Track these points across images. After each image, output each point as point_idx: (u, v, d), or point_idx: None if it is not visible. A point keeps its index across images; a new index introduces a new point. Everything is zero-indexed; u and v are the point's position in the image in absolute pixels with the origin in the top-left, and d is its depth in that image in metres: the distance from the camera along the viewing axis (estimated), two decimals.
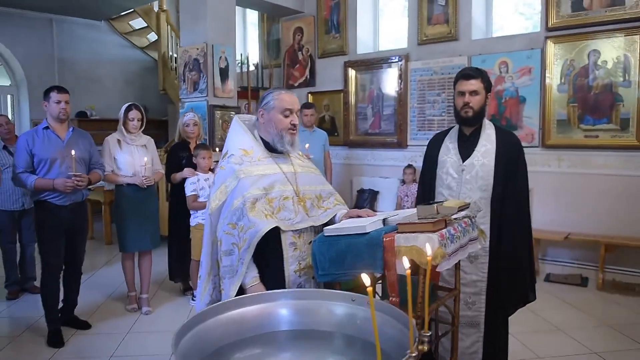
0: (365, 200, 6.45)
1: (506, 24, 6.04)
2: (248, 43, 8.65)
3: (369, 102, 6.63)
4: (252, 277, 2.05)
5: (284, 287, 2.12)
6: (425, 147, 2.88)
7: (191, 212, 4.29)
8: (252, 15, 8.30)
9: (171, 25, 7.95)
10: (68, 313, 3.94)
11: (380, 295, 2.42)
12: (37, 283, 4.80)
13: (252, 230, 2.00)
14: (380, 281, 2.34)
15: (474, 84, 2.55)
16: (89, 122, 8.01)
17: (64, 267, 3.84)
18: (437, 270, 1.87)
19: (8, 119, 4.70)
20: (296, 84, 7.32)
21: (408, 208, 5.88)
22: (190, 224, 4.30)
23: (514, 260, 2.53)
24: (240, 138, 2.25)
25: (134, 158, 4.07)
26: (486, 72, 2.65)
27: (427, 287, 1.55)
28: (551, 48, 5.17)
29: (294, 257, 2.15)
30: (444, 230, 1.90)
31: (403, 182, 6.06)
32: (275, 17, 7.62)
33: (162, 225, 4.81)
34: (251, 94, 6.66)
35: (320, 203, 2.28)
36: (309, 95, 7.14)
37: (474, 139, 2.64)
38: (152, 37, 8.92)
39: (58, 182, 3.50)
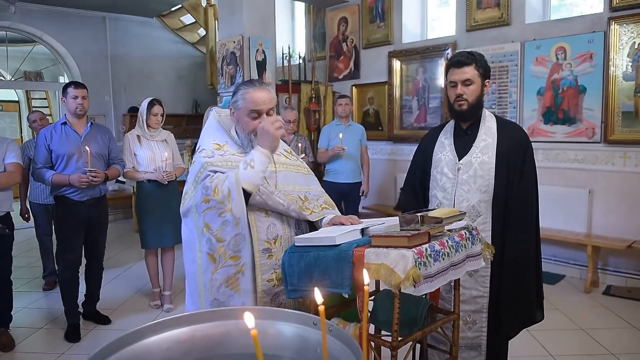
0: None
1: (564, 5, 5.42)
2: (296, 35, 8.47)
3: (414, 94, 6.23)
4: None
5: (255, 298, 1.90)
6: (419, 143, 2.54)
7: None
8: (301, 8, 8.10)
9: (218, 20, 7.92)
10: (89, 307, 3.95)
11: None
12: None
13: (229, 177, 1.81)
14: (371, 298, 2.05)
15: (467, 72, 2.18)
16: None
17: (85, 262, 3.85)
18: (413, 293, 1.56)
19: (42, 114, 4.81)
20: (340, 77, 7.04)
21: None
22: None
23: (518, 272, 2.15)
24: (214, 133, 2.04)
25: (154, 153, 4.00)
26: (482, 56, 2.27)
27: (396, 313, 1.27)
28: (616, 30, 4.55)
29: (269, 266, 1.92)
30: (425, 246, 1.59)
31: None
32: (321, 8, 7.37)
33: None
34: (292, 87, 6.47)
35: (305, 205, 2.02)
36: (353, 87, 6.85)
37: (472, 133, 2.27)
38: (203, 32, 8.96)
39: (73, 177, 3.48)
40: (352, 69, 6.89)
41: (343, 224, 1.91)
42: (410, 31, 6.40)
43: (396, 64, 6.33)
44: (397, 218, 1.89)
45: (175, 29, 8.66)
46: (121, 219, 8.01)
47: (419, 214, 1.68)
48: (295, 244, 1.80)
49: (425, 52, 6.04)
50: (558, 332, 3.65)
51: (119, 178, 4.05)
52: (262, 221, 1.91)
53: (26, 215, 4.64)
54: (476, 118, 2.27)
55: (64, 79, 10.06)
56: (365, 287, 1.14)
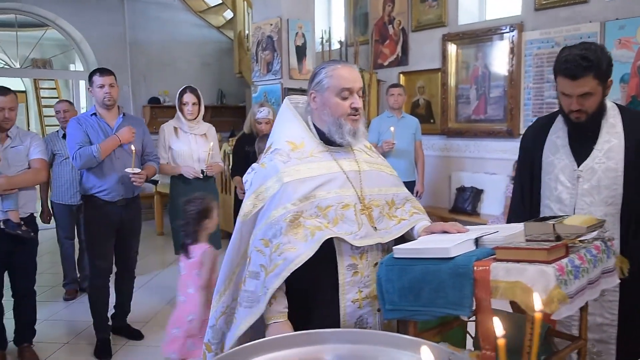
0: (467, 200, 5.91)
1: None
2: (332, 18, 8.35)
3: (472, 82, 6.05)
4: (278, 311, 1.74)
5: (337, 321, 1.79)
6: (520, 142, 2.38)
7: None
8: None
9: (247, 1, 7.85)
10: (120, 321, 3.90)
11: (473, 337, 2.00)
12: None
13: (288, 255, 1.68)
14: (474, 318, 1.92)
15: (585, 85, 1.97)
16: (162, 109, 8.17)
17: (115, 270, 3.79)
18: (552, 317, 1.43)
19: (69, 104, 4.77)
20: (386, 63, 6.90)
21: None
22: None
23: None
24: (289, 127, 1.93)
25: (191, 149, 3.93)
26: (604, 52, 1.99)
27: (535, 345, 1.14)
28: None
29: (353, 283, 1.80)
30: (565, 261, 1.45)
31: (513, 179, 5.45)
32: None
33: (228, 221, 4.65)
34: None
35: (392, 212, 1.91)
36: (401, 75, 6.70)
37: (591, 132, 2.09)
38: (229, 14, 8.91)
39: (122, 134, 3.45)
40: (400, 54, 6.74)
41: (446, 232, 1.78)
42: (468, 11, 6.22)
43: (451, 48, 6.16)
44: (512, 226, 1.76)
45: (198, 12, 8.63)
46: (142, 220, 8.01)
47: (551, 222, 1.54)
48: (395, 256, 1.68)
49: (485, 35, 5.86)
50: None
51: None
52: None
53: (47, 217, 4.62)
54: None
55: (74, 67, 10.14)
56: (537, 315, 1.02)
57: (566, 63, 1.99)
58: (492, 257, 1.53)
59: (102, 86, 3.48)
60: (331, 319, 1.79)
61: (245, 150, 4.30)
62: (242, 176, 4.17)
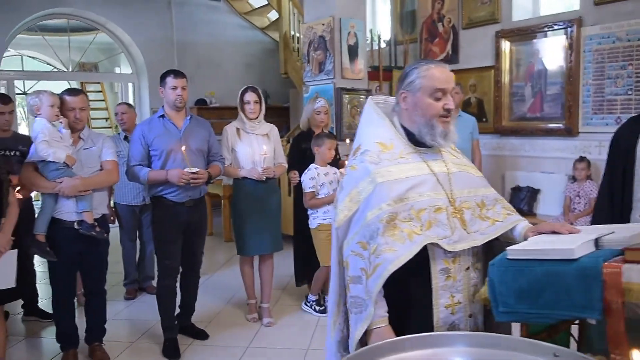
0: (523, 200, 5.80)
1: None
2: (377, 17, 8.30)
3: (527, 80, 5.93)
4: (379, 316, 1.71)
5: (430, 327, 1.75)
6: (612, 138, 2.31)
7: (310, 211, 4.11)
8: None
9: (293, 2, 7.87)
10: (185, 320, 3.93)
11: (577, 341, 1.95)
12: (155, 283, 4.96)
13: (387, 256, 1.65)
14: (577, 322, 1.87)
15: None
16: (208, 110, 8.25)
17: (180, 271, 3.82)
18: None
19: (128, 107, 4.85)
20: None
21: (580, 212, 5.16)
22: (310, 225, 4.12)
23: None
24: (377, 128, 1.89)
25: (253, 149, 3.93)
26: None
27: None
28: None
29: (445, 288, 1.77)
30: None
31: (573, 178, 5.32)
32: None
33: (286, 224, 4.66)
34: (383, 74, 6.31)
35: (483, 213, 1.86)
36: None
37: None
38: (273, 16, 8.96)
39: (172, 173, 3.44)
40: (450, 52, 6.65)
41: (554, 232, 1.73)
42: (521, 6, 6.11)
43: (505, 45, 6.05)
44: (629, 226, 1.71)
45: (243, 13, 8.70)
46: None
47: None
48: (509, 257, 1.63)
49: (542, 31, 5.74)
50: None
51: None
52: None
53: (111, 218, 4.69)
54: None
55: (119, 70, 10.32)
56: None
57: None
58: (619, 258, 1.48)
59: (174, 88, 3.52)
60: (425, 324, 1.76)
61: (302, 147, 4.32)
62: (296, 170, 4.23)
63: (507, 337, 1.43)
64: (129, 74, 8.50)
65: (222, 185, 6.40)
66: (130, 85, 8.42)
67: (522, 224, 1.88)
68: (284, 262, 4.23)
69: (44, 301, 4.45)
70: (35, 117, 3.23)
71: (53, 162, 3.15)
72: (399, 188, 1.74)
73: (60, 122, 3.24)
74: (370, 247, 1.71)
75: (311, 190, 4.02)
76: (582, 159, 5.26)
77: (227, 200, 6.77)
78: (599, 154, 5.37)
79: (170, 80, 3.53)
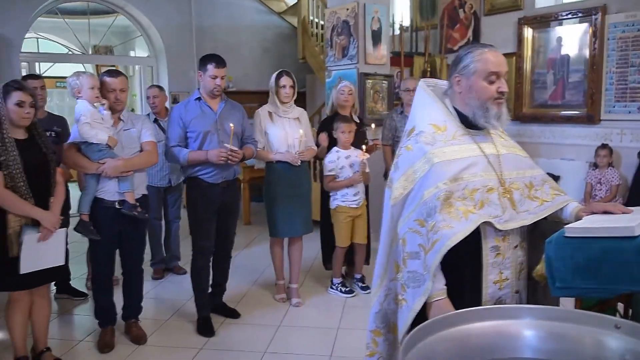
0: None
1: None
2: (396, 2, 8.31)
3: (549, 67, 5.97)
4: (438, 289, 1.78)
5: (479, 301, 1.84)
6: None
7: (330, 193, 4.25)
8: None
9: None
10: (217, 299, 4.02)
11: (622, 316, 2.04)
12: (181, 263, 5.07)
13: (445, 232, 1.73)
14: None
15: None
16: (226, 94, 8.24)
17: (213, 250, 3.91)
18: None
19: (159, 90, 4.91)
20: (456, 48, 6.86)
21: (602, 198, 5.23)
22: (330, 206, 4.24)
23: None
24: (430, 110, 1.96)
25: (286, 132, 4.00)
26: None
27: None
28: None
29: (495, 265, 1.86)
30: None
31: (595, 165, 5.38)
32: None
33: (315, 210, 4.75)
34: (404, 60, 6.35)
35: (532, 193, 1.94)
36: None
37: None
38: (290, 0, 8.96)
39: (212, 153, 3.52)
40: (471, 39, 6.69)
41: (607, 212, 1.81)
42: None
43: (527, 32, 6.09)
44: None
45: None
46: None
47: None
48: (566, 235, 1.71)
49: (565, 18, 5.76)
50: None
51: None
52: None
53: None
54: None
55: (134, 54, 10.35)
56: None
57: None
58: None
59: (214, 77, 3.58)
60: (474, 299, 1.84)
61: (329, 131, 4.40)
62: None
63: (569, 310, 1.51)
64: (146, 57, 8.55)
65: (242, 168, 6.47)
66: (148, 69, 8.46)
67: (572, 204, 1.95)
68: (307, 245, 4.33)
69: (75, 279, 4.55)
70: (77, 99, 3.30)
71: (96, 143, 3.23)
72: (454, 168, 1.81)
73: (103, 104, 3.31)
74: (427, 224, 1.78)
75: (331, 173, 4.14)
76: (604, 146, 5.31)
77: (246, 183, 6.85)
78: (620, 142, 5.42)
79: (212, 69, 3.59)
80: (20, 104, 2.86)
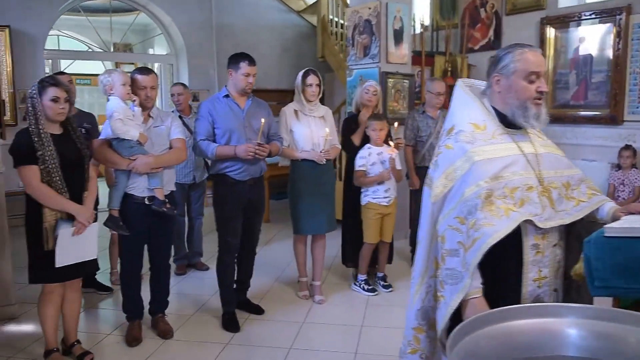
0: None
1: None
2: (416, 2, 8.31)
3: (572, 67, 5.96)
4: (475, 287, 1.80)
5: (518, 299, 1.86)
6: None
7: (362, 189, 4.28)
8: None
9: None
10: (241, 296, 4.07)
11: None
12: (204, 259, 5.12)
13: (486, 230, 1.74)
14: None
15: None
16: None
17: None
18: None
19: (184, 87, 4.96)
20: (477, 47, 6.86)
21: (625, 199, 5.21)
22: (361, 202, 4.28)
23: None
24: (470, 110, 1.98)
25: (312, 131, 4.04)
26: None
27: None
28: None
29: (535, 263, 1.87)
30: None
31: (618, 166, 5.36)
32: None
33: (338, 208, 4.78)
34: (425, 59, 6.36)
35: (569, 193, 1.96)
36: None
37: None
38: None
39: (240, 148, 3.56)
40: (492, 38, 6.69)
41: None
42: None
43: (550, 32, 6.07)
44: None
45: None
46: None
47: None
48: (606, 235, 1.73)
49: (588, 18, 5.74)
50: None
51: None
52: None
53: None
54: None
55: (152, 51, 10.44)
56: None
57: None
58: None
59: (247, 75, 3.62)
60: (513, 296, 1.86)
61: (352, 128, 4.45)
62: (347, 152, 4.36)
63: (612, 310, 1.53)
64: (165, 55, 8.62)
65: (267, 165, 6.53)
66: (168, 66, 8.54)
67: (609, 204, 1.97)
68: (328, 243, 4.36)
69: (99, 274, 4.61)
70: (108, 96, 3.35)
71: (127, 140, 3.28)
72: (494, 167, 1.83)
73: (134, 101, 3.36)
74: (468, 221, 1.80)
75: (361, 168, 4.18)
76: (627, 147, 5.29)
77: (265, 181, 6.88)
78: None
79: (244, 67, 3.63)
80: (55, 100, 2.91)
